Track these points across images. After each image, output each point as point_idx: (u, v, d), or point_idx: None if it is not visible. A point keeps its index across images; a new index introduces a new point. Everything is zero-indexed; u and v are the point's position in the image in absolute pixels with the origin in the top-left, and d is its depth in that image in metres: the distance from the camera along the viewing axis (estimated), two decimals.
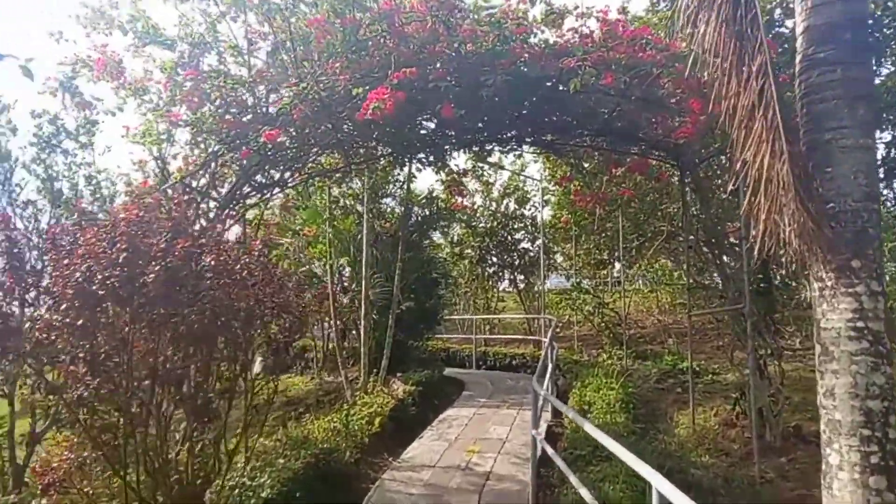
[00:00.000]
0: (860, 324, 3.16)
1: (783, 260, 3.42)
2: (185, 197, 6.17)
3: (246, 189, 7.07)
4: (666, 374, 10.29)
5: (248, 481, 4.96)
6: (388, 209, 11.54)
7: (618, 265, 18.00)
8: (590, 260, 18.38)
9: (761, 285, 6.88)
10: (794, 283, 8.42)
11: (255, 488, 4.85)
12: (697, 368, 10.14)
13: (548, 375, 7.13)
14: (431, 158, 7.73)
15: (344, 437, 6.82)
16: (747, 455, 5.94)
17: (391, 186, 11.31)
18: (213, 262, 4.27)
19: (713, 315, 15.83)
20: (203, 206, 6.64)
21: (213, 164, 6.69)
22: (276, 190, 7.37)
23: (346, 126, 6.08)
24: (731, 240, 7.03)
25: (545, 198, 15.18)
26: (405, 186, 10.79)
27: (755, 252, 3.68)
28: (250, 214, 9.08)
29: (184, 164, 6.96)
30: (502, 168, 14.57)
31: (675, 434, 6.65)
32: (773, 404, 6.43)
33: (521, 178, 15.77)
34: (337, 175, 7.75)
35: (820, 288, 3.36)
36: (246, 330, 4.66)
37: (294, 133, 6.13)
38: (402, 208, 10.94)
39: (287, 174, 7.34)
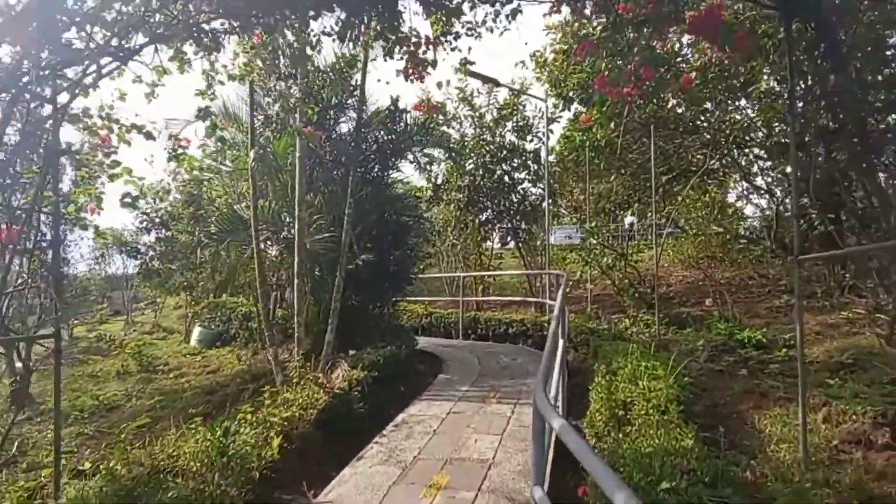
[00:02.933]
0: None
1: None
2: None
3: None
4: (719, 349, 7.71)
5: None
6: (339, 127, 8.73)
7: (634, 212, 15.32)
8: (605, 205, 15.67)
9: None
10: None
11: None
12: (765, 340, 7.55)
13: (556, 374, 4.57)
14: (375, 21, 4.96)
15: (222, 470, 4.24)
16: None
17: (343, 94, 8.46)
18: None
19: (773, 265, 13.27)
20: None
21: None
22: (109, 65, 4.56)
23: None
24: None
25: (552, 122, 12.33)
26: (359, 88, 7.94)
27: None
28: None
29: None
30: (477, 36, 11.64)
31: (779, 465, 4.04)
32: None
33: (522, 99, 12.87)
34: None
35: None
36: None
37: None
38: (355, 119, 8.13)
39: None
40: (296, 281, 7.42)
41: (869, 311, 8.00)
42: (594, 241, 10.28)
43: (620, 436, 4.36)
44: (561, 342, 5.59)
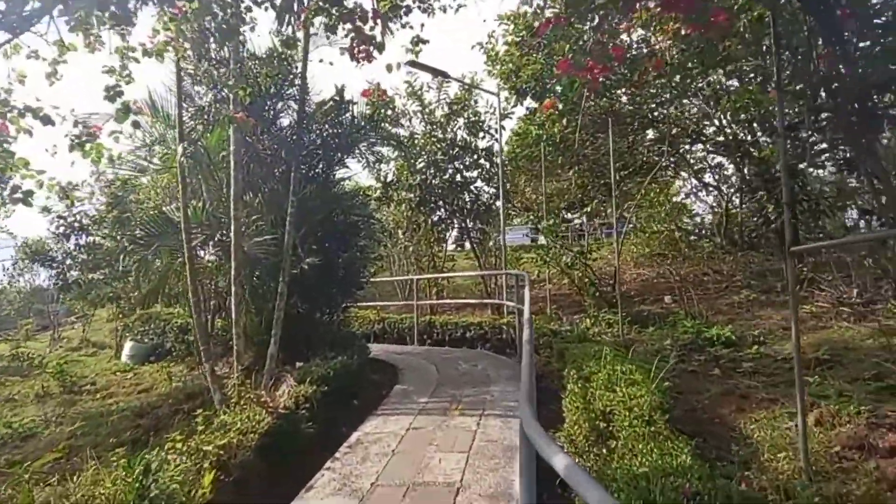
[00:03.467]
0: None
1: None
2: None
3: None
4: (687, 348, 7.45)
5: None
6: (279, 120, 8.02)
7: (591, 210, 15.16)
8: (559, 204, 15.46)
9: None
10: None
11: None
12: (734, 337, 7.33)
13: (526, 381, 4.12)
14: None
15: None
16: None
17: (282, 83, 7.78)
18: None
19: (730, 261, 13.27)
20: None
21: None
22: None
23: None
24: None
25: (505, 118, 11.95)
26: (300, 76, 7.29)
27: None
28: None
29: None
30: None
31: (778, 476, 3.66)
32: None
33: (474, 95, 12.45)
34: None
35: None
36: None
37: None
38: (297, 111, 7.47)
39: None
40: (233, 288, 6.72)
41: (833, 305, 7.92)
42: (552, 240, 9.91)
43: (604, 451, 3.93)
44: (527, 348, 5.14)
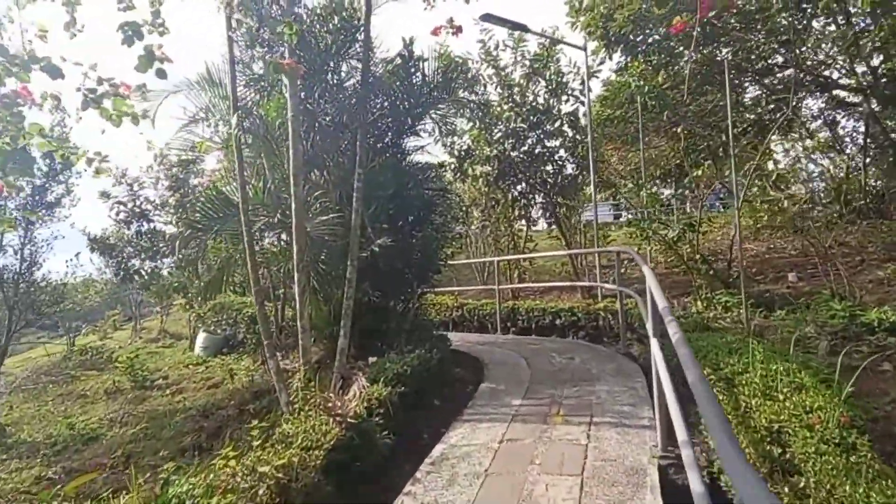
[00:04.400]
0: None
1: None
2: None
3: None
4: (838, 336, 6.09)
5: None
6: (342, 83, 7.17)
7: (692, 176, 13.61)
8: (654, 173, 14.01)
9: None
10: None
11: None
12: None
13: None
14: None
15: None
16: None
17: (347, 42, 6.92)
18: None
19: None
20: None
21: None
22: None
23: None
24: None
25: (592, 76, 10.67)
26: (363, 28, 6.41)
27: None
28: None
29: None
30: None
31: None
32: None
33: (556, 50, 11.22)
34: None
35: None
36: None
37: None
38: (360, 75, 6.60)
39: None
40: (296, 275, 5.98)
41: None
42: (655, 212, 8.64)
43: (787, 490, 2.84)
44: (654, 342, 4.07)
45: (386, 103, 7.29)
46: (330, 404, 4.83)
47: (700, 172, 8.80)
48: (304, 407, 4.95)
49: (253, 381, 8.21)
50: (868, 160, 13.73)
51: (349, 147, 6.96)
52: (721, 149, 11.74)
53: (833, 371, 4.73)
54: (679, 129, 9.29)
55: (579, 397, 5.63)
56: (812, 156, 16.57)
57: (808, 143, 14.72)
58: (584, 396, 5.63)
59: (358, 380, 5.65)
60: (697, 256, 8.68)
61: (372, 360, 6.62)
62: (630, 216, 25.40)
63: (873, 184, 14.58)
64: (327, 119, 6.94)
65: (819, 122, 14.83)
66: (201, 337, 12.26)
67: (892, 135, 9.23)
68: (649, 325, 4.23)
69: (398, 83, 7.04)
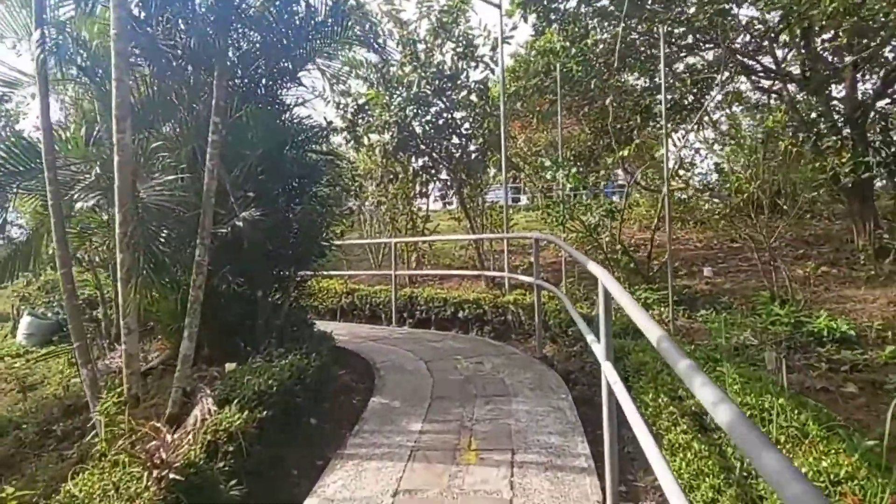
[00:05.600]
0: None
1: None
2: None
3: None
4: (783, 346, 5.43)
5: None
6: (199, 7, 5.52)
7: (611, 161, 13.10)
8: (567, 153, 13.26)
9: None
10: None
11: None
12: (852, 332, 5.35)
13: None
14: None
15: None
16: None
17: None
18: None
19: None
20: None
21: None
22: None
23: None
24: None
25: (504, 40, 9.59)
26: None
27: None
28: None
29: None
30: None
31: None
32: None
33: (469, 3, 10.03)
34: None
35: None
36: None
37: None
38: None
39: None
40: (118, 255, 4.39)
41: None
42: (571, 194, 7.73)
43: None
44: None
45: (258, 38, 5.73)
46: (152, 445, 3.37)
47: (627, 153, 7.97)
48: (112, 448, 3.47)
49: (69, 389, 6.42)
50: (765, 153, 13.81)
51: (210, 92, 5.37)
52: (635, 131, 11.14)
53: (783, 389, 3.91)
54: (607, 102, 8.40)
55: (495, 420, 4.53)
56: (713, 146, 16.69)
57: (708, 133, 14.63)
58: (500, 419, 4.54)
59: (202, 400, 4.21)
60: (618, 247, 7.90)
61: (230, 366, 5.17)
62: (535, 199, 24.94)
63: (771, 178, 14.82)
64: (177, 51, 5.28)
65: (722, 112, 14.79)
66: (25, 321, 9.99)
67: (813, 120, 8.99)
68: (600, 347, 3.16)
69: (273, 10, 5.50)
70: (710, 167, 16.28)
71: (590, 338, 3.63)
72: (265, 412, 4.04)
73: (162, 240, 5.13)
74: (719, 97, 10.05)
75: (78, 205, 5.10)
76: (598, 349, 3.30)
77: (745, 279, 8.79)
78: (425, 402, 5.03)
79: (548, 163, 7.90)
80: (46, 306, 10.49)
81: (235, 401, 4.12)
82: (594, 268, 3.56)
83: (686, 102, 10.73)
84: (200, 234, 4.82)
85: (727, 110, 11.60)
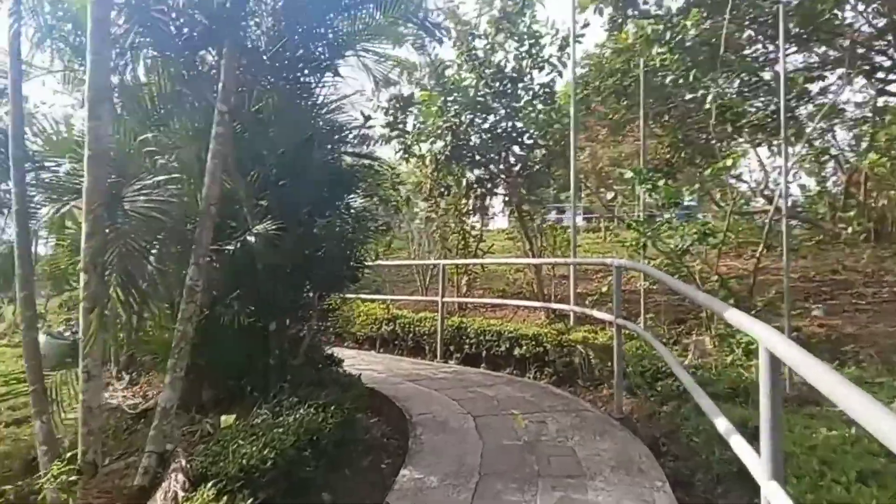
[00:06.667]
0: None
1: None
2: None
3: None
4: None
5: None
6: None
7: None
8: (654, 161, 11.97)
9: None
10: None
11: None
12: None
13: None
14: None
15: None
16: None
17: None
18: None
19: None
20: None
21: None
22: None
23: None
24: None
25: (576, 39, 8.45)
26: None
27: None
28: None
29: None
30: None
31: None
32: None
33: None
34: None
35: None
36: None
37: None
38: None
39: None
40: (81, 275, 3.45)
41: None
42: (669, 213, 6.44)
43: None
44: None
45: (280, 11, 4.78)
46: None
47: (731, 163, 6.67)
48: None
49: (15, 443, 5.49)
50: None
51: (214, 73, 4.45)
52: (724, 142, 9.76)
53: None
54: (708, 101, 7.09)
55: None
56: (804, 165, 15.02)
57: (800, 149, 12.97)
58: None
59: (174, 475, 3.18)
60: (714, 277, 6.57)
61: (226, 419, 4.16)
62: (593, 220, 23.48)
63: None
64: (179, 21, 4.38)
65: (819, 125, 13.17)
66: (41, 340, 9.36)
67: None
68: (758, 459, 1.98)
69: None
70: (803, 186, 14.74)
71: (734, 440, 2.39)
72: (251, 500, 2.98)
73: (152, 258, 4.19)
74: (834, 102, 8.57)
75: (43, 210, 4.22)
76: (752, 458, 2.09)
77: (870, 321, 7.29)
78: (471, 481, 3.85)
79: (628, 174, 6.63)
80: (67, 325, 9.88)
81: (221, 475, 3.09)
82: (740, 319, 2.36)
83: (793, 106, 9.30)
84: (195, 251, 3.86)
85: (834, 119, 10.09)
